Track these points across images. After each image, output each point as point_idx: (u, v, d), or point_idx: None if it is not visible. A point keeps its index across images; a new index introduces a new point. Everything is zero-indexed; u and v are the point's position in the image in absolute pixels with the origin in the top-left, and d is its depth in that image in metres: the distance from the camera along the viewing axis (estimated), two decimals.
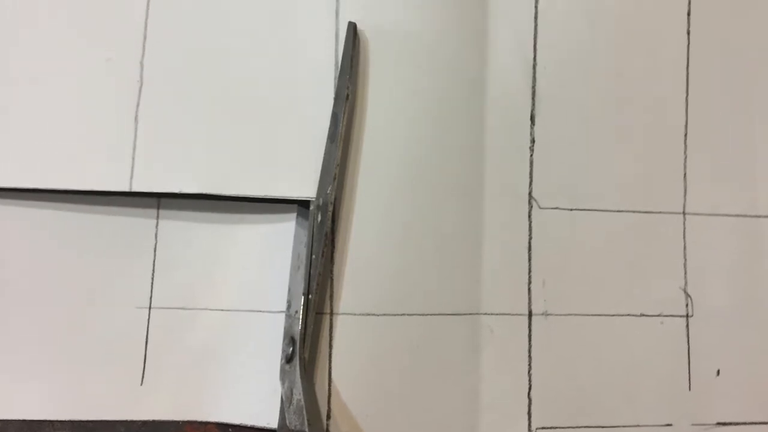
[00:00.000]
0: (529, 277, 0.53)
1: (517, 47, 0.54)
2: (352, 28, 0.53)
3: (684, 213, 0.54)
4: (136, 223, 0.53)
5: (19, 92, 0.52)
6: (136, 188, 0.52)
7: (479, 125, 0.54)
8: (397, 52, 0.53)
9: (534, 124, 0.54)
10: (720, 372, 0.54)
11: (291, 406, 0.48)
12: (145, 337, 0.52)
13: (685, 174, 0.54)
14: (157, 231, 0.53)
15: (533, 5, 0.54)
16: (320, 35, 0.53)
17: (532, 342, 0.53)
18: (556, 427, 0.53)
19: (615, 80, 0.55)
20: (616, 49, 0.55)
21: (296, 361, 0.49)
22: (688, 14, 0.55)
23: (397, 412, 0.51)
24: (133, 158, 0.52)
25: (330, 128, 0.52)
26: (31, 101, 0.52)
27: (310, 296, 0.49)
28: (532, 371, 0.53)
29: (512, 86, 0.54)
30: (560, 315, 0.53)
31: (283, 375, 0.49)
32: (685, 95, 0.55)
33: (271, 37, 0.53)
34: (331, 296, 0.51)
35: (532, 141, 0.54)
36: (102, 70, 0.53)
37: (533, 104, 0.54)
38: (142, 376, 0.52)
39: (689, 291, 0.54)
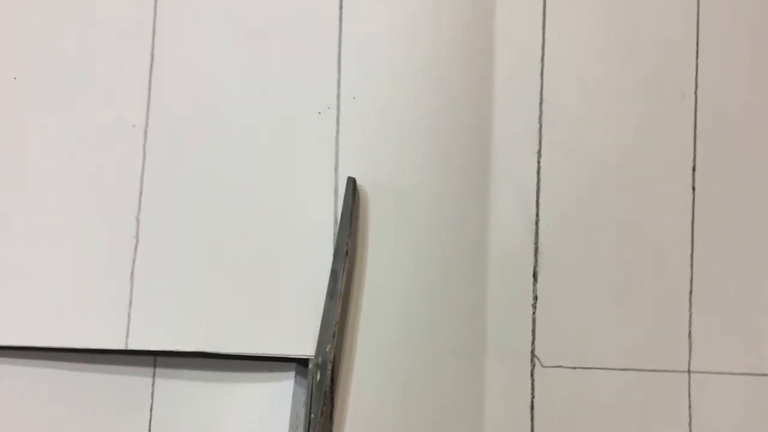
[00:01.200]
0: None
1: (520, 203, 0.54)
2: (352, 183, 0.52)
3: (689, 371, 0.53)
4: (132, 381, 0.52)
5: (15, 250, 0.52)
6: (132, 346, 0.51)
7: (481, 282, 0.53)
8: (397, 207, 0.53)
9: (536, 281, 0.53)
10: None
11: None
12: None
13: (690, 332, 0.53)
14: (153, 389, 0.52)
15: (536, 160, 0.54)
16: (319, 190, 0.53)
17: None
18: None
19: (619, 236, 0.54)
20: (619, 205, 0.54)
21: None
22: (693, 169, 0.54)
23: None
24: (129, 315, 0.51)
25: (329, 285, 0.51)
26: (26, 259, 0.52)
27: None
28: None
29: (514, 243, 0.53)
30: None
31: None
32: (690, 252, 0.54)
33: (270, 192, 0.53)
34: None
35: (535, 298, 0.53)
36: (97, 226, 0.52)
37: (536, 261, 0.53)
38: None
39: None
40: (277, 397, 0.52)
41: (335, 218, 0.52)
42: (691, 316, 0.54)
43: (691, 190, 0.54)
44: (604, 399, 0.53)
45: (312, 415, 0.49)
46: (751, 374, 0.54)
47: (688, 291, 0.54)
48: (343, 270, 0.51)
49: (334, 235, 0.52)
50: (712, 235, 0.54)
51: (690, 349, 0.53)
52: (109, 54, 0.54)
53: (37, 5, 0.54)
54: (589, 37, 0.55)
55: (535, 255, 0.53)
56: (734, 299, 0.54)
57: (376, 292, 0.52)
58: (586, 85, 0.54)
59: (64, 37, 0.54)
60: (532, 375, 0.53)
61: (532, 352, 0.53)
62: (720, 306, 0.54)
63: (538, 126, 0.54)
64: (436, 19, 0.54)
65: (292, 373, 0.52)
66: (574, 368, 0.53)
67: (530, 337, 0.53)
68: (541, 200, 0.54)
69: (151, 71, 0.54)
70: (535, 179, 0.54)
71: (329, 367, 0.50)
